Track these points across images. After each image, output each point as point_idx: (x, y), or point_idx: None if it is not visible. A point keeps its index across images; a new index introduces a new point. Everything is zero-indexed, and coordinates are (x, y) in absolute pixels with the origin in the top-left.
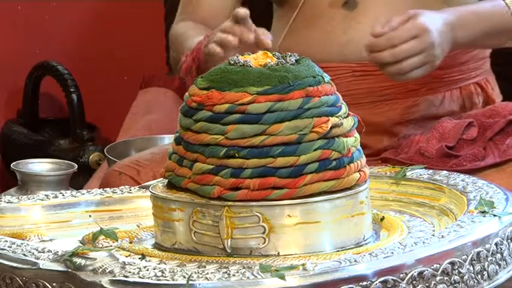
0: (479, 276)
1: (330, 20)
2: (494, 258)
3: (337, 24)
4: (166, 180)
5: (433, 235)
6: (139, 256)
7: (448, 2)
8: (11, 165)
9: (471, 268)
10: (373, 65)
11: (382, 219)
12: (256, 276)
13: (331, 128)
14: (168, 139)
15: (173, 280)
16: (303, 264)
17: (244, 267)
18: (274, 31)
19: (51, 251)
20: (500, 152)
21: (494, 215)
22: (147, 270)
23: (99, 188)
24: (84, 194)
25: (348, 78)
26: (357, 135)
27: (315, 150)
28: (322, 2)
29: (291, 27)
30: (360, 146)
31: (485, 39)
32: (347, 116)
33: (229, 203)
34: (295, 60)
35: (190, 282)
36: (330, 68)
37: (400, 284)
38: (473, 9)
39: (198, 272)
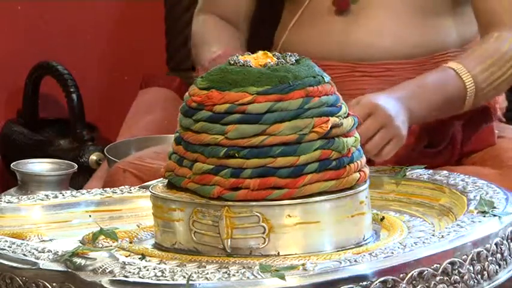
0: (479, 276)
1: (331, 19)
2: (494, 258)
3: (338, 24)
4: (166, 180)
5: (433, 235)
6: (140, 256)
7: (456, 13)
8: (11, 165)
9: (471, 268)
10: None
11: (382, 219)
12: (256, 276)
13: (331, 128)
14: (168, 139)
15: (173, 280)
16: (303, 264)
17: (244, 267)
18: (282, 25)
19: (51, 251)
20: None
21: (494, 215)
22: (147, 270)
23: (103, 186)
24: (84, 194)
25: (347, 78)
26: (356, 135)
27: (315, 150)
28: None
29: (297, 23)
30: None
31: (442, 108)
32: (347, 116)
33: (229, 203)
34: (295, 60)
35: (190, 282)
36: (330, 67)
37: (400, 284)
38: (421, 81)
39: (198, 272)
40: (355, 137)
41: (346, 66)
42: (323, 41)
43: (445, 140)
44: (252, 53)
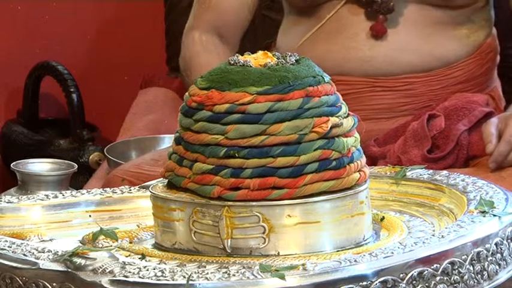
0: (479, 276)
1: (354, 35)
2: (494, 258)
3: (361, 40)
4: (166, 180)
5: (433, 235)
6: (139, 256)
7: (474, 20)
8: (11, 165)
9: (471, 268)
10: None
11: (382, 219)
12: (256, 276)
13: (331, 128)
14: (168, 139)
15: (173, 280)
16: (303, 264)
17: (244, 267)
18: (285, 32)
19: (51, 251)
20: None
21: (494, 215)
22: (147, 270)
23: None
24: (84, 194)
25: (368, 93)
26: (356, 135)
27: (315, 150)
28: (346, 16)
29: (311, 37)
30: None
31: None
32: (347, 116)
33: (229, 203)
34: (295, 60)
35: (190, 282)
36: (350, 82)
37: (400, 284)
38: None
39: (198, 272)
40: (355, 137)
41: (367, 82)
42: (344, 56)
43: (450, 145)
44: (252, 53)
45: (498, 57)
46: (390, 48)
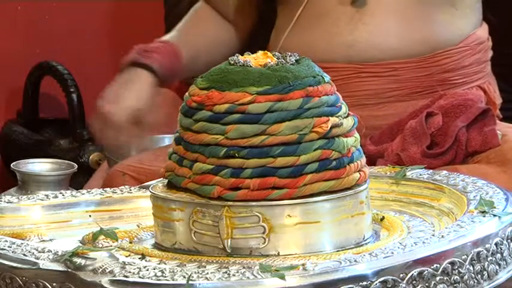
0: (479, 276)
1: (336, 20)
2: (494, 258)
3: (343, 25)
4: (166, 180)
5: (433, 235)
6: (139, 256)
7: (456, 5)
8: (11, 165)
9: (471, 268)
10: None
11: (382, 219)
12: (256, 276)
13: (331, 128)
14: (168, 139)
15: (173, 280)
16: (303, 264)
17: (244, 267)
18: (277, 29)
19: (51, 251)
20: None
21: (494, 215)
22: (147, 270)
23: (102, 188)
24: (84, 194)
25: (354, 79)
26: (356, 135)
27: (315, 150)
28: (328, 0)
29: (295, 26)
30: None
31: None
32: (347, 116)
33: (229, 203)
34: (295, 60)
35: (190, 282)
36: (336, 69)
37: (400, 284)
38: None
39: (198, 272)
40: (355, 137)
41: (353, 68)
42: (327, 42)
43: (449, 141)
44: (252, 53)
45: (491, 52)
46: (371, 32)
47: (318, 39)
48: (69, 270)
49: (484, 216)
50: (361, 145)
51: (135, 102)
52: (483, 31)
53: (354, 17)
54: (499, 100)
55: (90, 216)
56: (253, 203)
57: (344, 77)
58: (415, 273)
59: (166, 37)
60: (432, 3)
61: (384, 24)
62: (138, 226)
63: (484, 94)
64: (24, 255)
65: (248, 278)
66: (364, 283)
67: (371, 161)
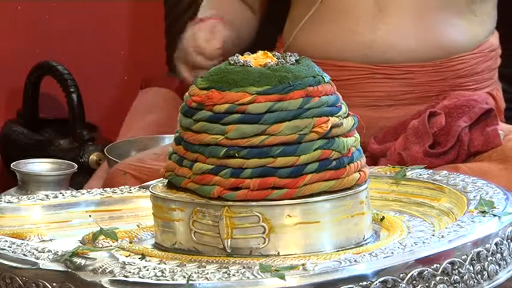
0: (479, 276)
1: (356, 18)
2: (494, 258)
3: (364, 24)
4: (166, 180)
5: (433, 235)
6: (139, 256)
7: (475, 12)
8: (11, 165)
9: (471, 268)
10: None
11: (382, 219)
12: (256, 276)
13: (331, 128)
14: (168, 139)
15: (173, 280)
16: (303, 264)
17: (244, 267)
18: (291, 20)
19: (51, 251)
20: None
21: (494, 215)
22: (147, 270)
23: (102, 187)
24: (84, 194)
25: (367, 80)
26: (356, 135)
27: (315, 150)
28: None
29: (311, 19)
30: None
31: None
32: (347, 116)
33: (229, 203)
34: (295, 60)
35: (190, 282)
36: (350, 68)
37: (400, 284)
38: None
39: (198, 272)
40: (355, 137)
41: (368, 68)
42: (345, 40)
43: (451, 141)
44: (253, 52)
45: (499, 60)
46: (390, 32)
47: (336, 35)
48: (69, 270)
49: (484, 216)
50: (365, 144)
51: (225, 39)
52: (495, 38)
53: (376, 16)
54: (504, 105)
55: (90, 216)
56: (253, 203)
57: (358, 76)
58: (415, 273)
59: (208, 13)
60: (452, 9)
61: (403, 26)
62: (138, 226)
63: (493, 100)
64: (24, 255)
65: (248, 278)
66: (364, 283)
67: (375, 160)
